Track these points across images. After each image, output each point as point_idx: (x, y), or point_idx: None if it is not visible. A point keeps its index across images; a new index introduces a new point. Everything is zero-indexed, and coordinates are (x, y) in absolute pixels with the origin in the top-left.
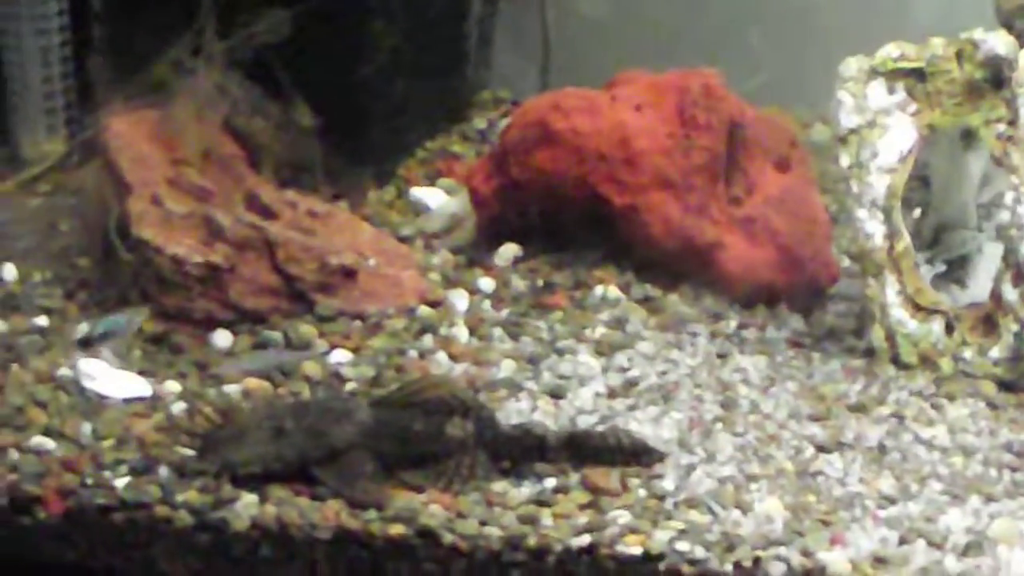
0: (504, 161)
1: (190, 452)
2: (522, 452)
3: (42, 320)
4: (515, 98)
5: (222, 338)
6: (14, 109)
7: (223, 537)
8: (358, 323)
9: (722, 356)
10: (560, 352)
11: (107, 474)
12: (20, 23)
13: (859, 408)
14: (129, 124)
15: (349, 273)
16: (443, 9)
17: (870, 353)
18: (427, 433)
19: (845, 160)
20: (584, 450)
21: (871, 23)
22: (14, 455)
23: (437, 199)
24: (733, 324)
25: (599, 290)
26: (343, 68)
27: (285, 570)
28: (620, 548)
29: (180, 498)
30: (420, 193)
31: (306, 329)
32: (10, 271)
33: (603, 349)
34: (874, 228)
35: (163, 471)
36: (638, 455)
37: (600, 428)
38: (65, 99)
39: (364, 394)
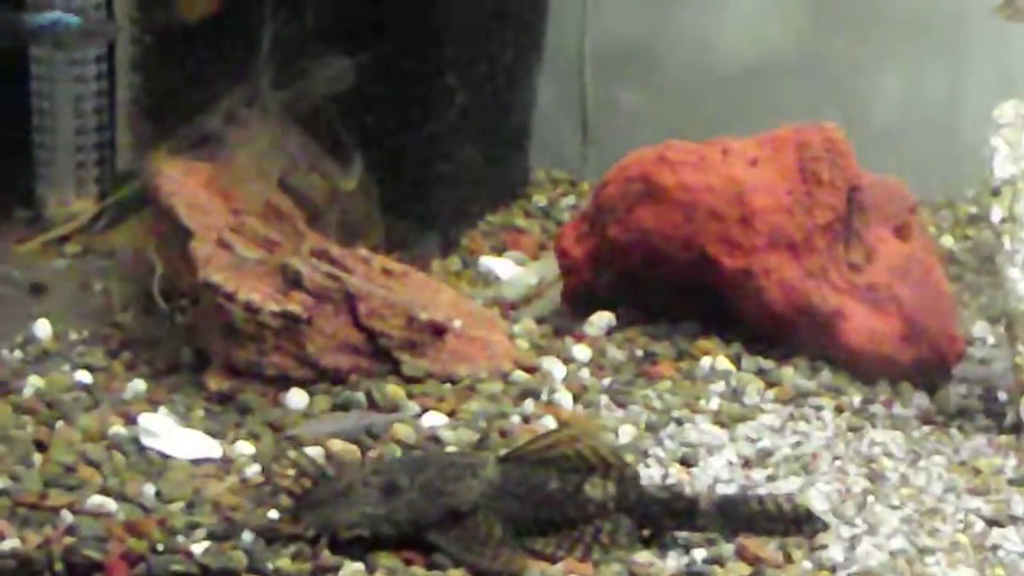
0: (599, 220)
1: (278, 515)
2: (670, 518)
3: (85, 377)
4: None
5: (297, 398)
6: (40, 163)
7: None
8: (448, 386)
9: (854, 430)
10: (679, 421)
11: (180, 539)
12: (55, 67)
13: (1022, 483)
14: (182, 171)
15: (439, 331)
16: (507, 82)
17: (1017, 429)
18: (563, 494)
19: (997, 213)
20: (739, 517)
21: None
22: (68, 517)
23: (508, 269)
24: (857, 399)
25: (706, 361)
26: (409, 125)
27: None
28: None
29: (271, 565)
30: (490, 263)
31: (393, 389)
32: (44, 328)
33: (723, 420)
34: None
35: (247, 536)
36: (799, 523)
37: (754, 494)
38: (98, 154)
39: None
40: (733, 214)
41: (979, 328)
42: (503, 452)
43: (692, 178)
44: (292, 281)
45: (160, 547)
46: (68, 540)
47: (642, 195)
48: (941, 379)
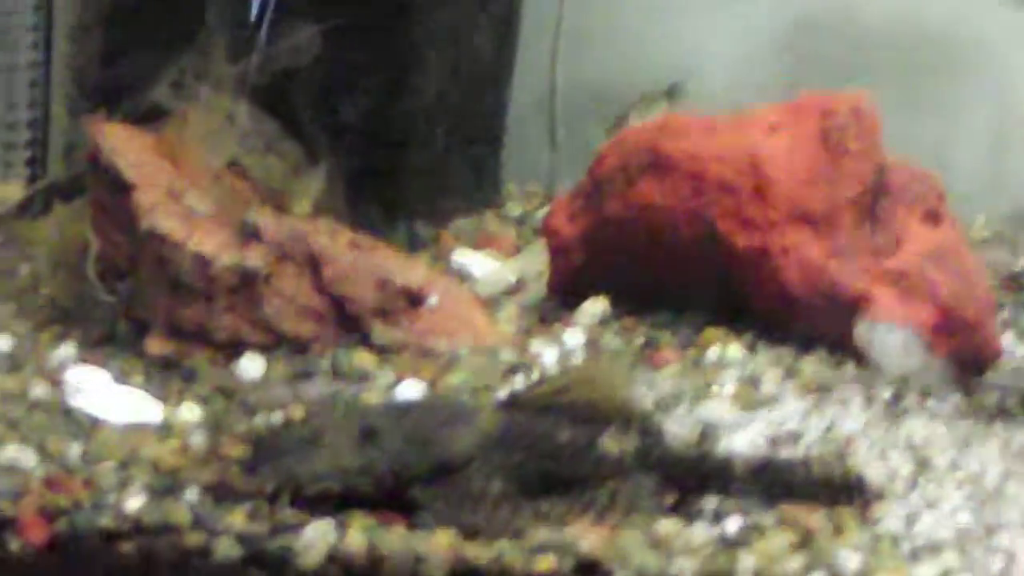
0: (596, 196)
1: (232, 468)
2: (699, 480)
3: (6, 343)
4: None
5: (252, 365)
6: None
7: (288, 574)
8: (427, 360)
9: (889, 419)
10: (691, 402)
11: (112, 496)
12: None
13: None
14: (126, 134)
15: (415, 299)
16: (483, 73)
17: None
18: (575, 447)
19: None
20: (779, 482)
21: None
22: None
23: (485, 265)
24: (887, 394)
25: (715, 351)
26: (382, 103)
27: None
28: None
29: (222, 524)
30: (464, 259)
31: (362, 358)
32: None
33: (742, 404)
34: None
35: (191, 493)
36: (850, 491)
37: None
38: (30, 133)
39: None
40: (747, 185)
41: (1006, 341)
42: (504, 397)
43: (702, 146)
44: (250, 234)
45: (86, 503)
46: None
47: (645, 166)
48: (976, 377)
